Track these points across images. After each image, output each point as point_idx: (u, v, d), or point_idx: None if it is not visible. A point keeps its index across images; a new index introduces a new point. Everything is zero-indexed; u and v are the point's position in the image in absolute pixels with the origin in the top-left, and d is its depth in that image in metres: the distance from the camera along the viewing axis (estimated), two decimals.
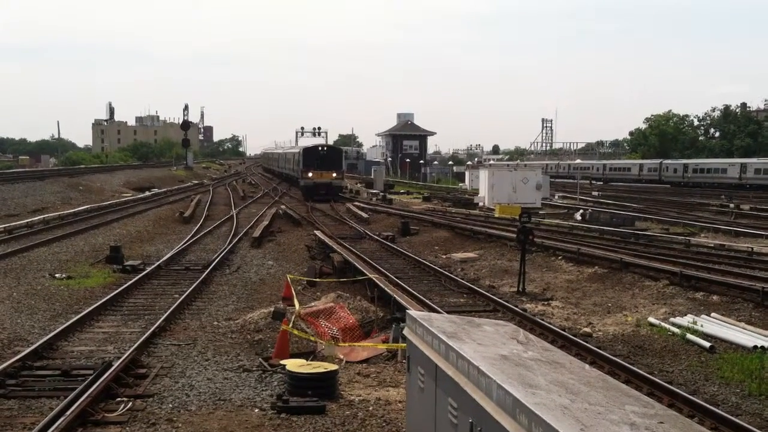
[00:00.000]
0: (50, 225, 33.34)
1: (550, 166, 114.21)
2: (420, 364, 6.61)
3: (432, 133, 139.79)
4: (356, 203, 50.33)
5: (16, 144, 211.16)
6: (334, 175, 57.68)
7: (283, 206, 46.72)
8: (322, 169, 57.09)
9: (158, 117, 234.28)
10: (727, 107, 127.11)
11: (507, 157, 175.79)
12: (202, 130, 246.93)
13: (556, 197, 60.33)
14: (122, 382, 11.32)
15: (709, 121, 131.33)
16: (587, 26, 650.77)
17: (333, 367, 11.40)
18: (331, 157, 58.93)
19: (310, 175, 57.06)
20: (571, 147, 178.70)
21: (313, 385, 10.69)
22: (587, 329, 16.29)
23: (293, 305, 16.16)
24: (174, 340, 14.56)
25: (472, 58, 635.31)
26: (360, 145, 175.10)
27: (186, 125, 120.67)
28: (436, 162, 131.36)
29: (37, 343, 13.35)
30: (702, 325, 15.79)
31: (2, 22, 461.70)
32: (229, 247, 28.24)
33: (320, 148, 61.05)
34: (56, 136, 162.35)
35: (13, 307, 17.25)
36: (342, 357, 13.44)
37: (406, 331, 7.29)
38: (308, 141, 74.99)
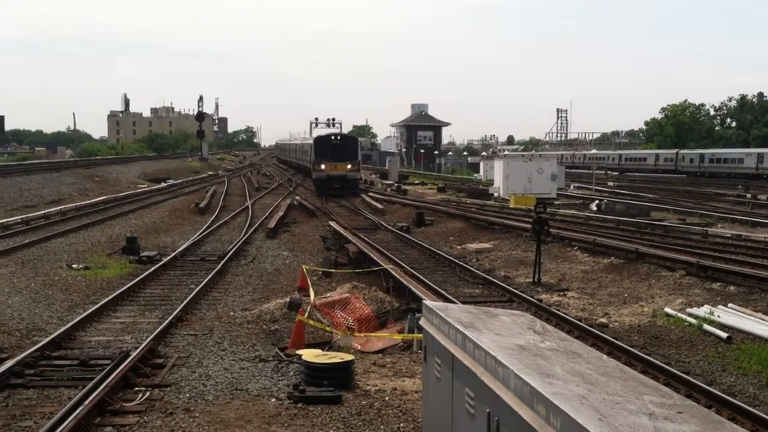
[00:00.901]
0: (67, 216, 33.54)
1: (565, 156, 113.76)
2: (436, 355, 6.61)
3: (446, 124, 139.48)
4: (371, 194, 50.33)
5: (32, 135, 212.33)
6: (349, 166, 52.61)
7: (297, 197, 46.83)
8: (335, 161, 52.28)
9: (173, 108, 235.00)
10: (743, 97, 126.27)
11: (522, 147, 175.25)
12: (216, 121, 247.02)
13: (572, 188, 60.14)
14: (140, 371, 11.39)
15: (725, 111, 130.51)
16: (603, 16, 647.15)
17: (349, 357, 11.43)
18: (345, 147, 53.97)
19: (322, 167, 52.48)
20: (587, 137, 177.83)
21: (329, 375, 10.71)
22: (603, 320, 16.25)
23: (309, 296, 16.20)
24: (190, 330, 14.64)
25: (487, 49, 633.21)
26: (374, 135, 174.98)
27: (201, 116, 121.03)
28: (450, 153, 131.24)
29: (55, 333, 13.45)
30: (719, 316, 15.72)
31: (18, 16, 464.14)
32: (245, 237, 28.32)
33: (333, 138, 55.99)
34: (72, 128, 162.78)
35: (31, 297, 17.37)
36: (358, 346, 13.47)
37: (422, 322, 7.29)
38: (323, 131, 71.53)
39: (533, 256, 21.48)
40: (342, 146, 54.19)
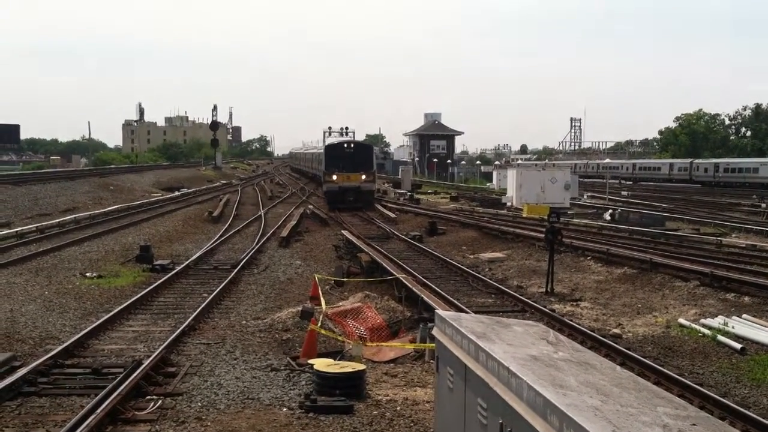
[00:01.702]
0: (81, 224, 33.70)
1: (578, 165, 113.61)
2: (449, 365, 6.60)
3: (459, 133, 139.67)
4: (383, 203, 50.31)
5: (47, 144, 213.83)
6: (364, 177, 47.97)
7: (310, 206, 46.86)
8: (348, 171, 47.82)
9: (187, 117, 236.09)
10: (758, 106, 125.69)
11: (535, 156, 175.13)
12: (230, 130, 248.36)
13: (585, 197, 59.97)
14: (152, 380, 11.40)
15: (740, 120, 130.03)
16: (617, 24, 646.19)
17: (361, 366, 11.41)
18: (359, 156, 49.09)
19: (334, 177, 47.87)
20: (600, 146, 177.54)
21: (341, 384, 10.71)
22: (617, 330, 16.17)
23: (320, 305, 16.19)
24: (203, 339, 14.65)
25: (499, 57, 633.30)
26: (387, 144, 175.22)
27: (215, 125, 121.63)
28: (463, 162, 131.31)
29: (68, 342, 13.50)
30: (733, 327, 15.61)
31: (34, 24, 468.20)
32: (257, 246, 28.36)
33: (346, 146, 50.58)
34: (87, 137, 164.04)
35: (44, 305, 17.45)
36: (371, 355, 13.44)
37: (435, 331, 7.27)
38: (335, 140, 66.07)
39: (546, 265, 21.42)
40: (355, 155, 49.31)
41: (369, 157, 50.00)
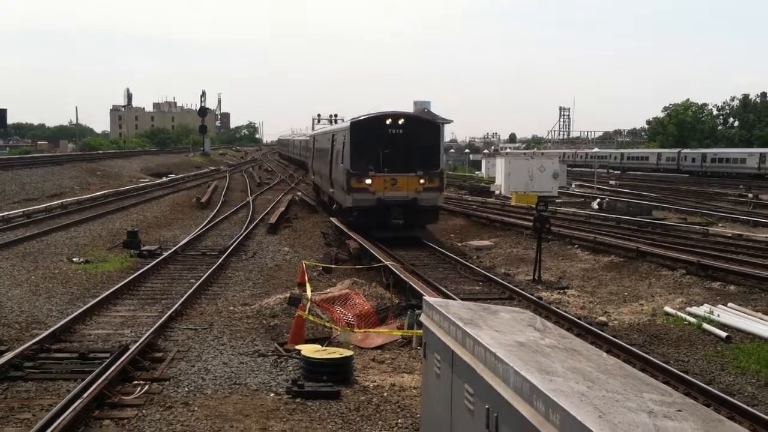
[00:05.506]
0: (68, 210, 33.56)
1: (567, 154, 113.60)
2: (436, 351, 6.60)
3: (449, 121, 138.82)
4: None
5: (34, 129, 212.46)
6: (422, 181, 26.17)
7: (299, 193, 46.76)
8: (394, 170, 26.24)
9: (175, 103, 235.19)
10: (746, 96, 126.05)
11: (524, 145, 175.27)
12: (218, 116, 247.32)
13: (573, 186, 60.04)
14: (139, 365, 11.39)
15: (728, 111, 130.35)
16: (606, 15, 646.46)
17: (348, 352, 11.44)
18: (414, 141, 26.52)
19: (368, 182, 26.06)
20: (589, 136, 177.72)
21: (328, 370, 10.73)
22: (603, 318, 16.24)
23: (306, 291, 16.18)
24: (190, 324, 14.63)
25: (489, 46, 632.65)
26: None
27: (203, 112, 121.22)
28: (452, 150, 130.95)
29: (55, 326, 13.46)
30: (718, 315, 15.71)
31: (21, 9, 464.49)
32: (246, 233, 28.30)
33: (389, 123, 26.83)
34: (74, 122, 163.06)
35: (31, 290, 17.38)
36: (359, 341, 13.45)
37: (422, 318, 7.28)
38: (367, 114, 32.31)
39: (534, 253, 21.49)
40: (408, 139, 26.70)
41: (433, 143, 27.24)
